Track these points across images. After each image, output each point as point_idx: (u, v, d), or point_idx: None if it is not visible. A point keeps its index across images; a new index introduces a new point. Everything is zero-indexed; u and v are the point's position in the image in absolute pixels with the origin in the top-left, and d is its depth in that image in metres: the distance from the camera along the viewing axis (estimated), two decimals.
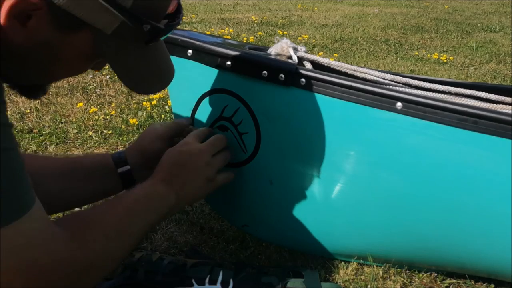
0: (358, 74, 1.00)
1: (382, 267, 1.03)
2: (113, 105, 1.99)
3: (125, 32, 0.62)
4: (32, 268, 0.60)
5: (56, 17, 0.57)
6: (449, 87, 1.00)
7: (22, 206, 0.58)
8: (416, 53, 3.24)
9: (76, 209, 1.02)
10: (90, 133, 1.70)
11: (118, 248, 0.73)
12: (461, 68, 2.90)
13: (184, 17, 4.29)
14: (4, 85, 0.62)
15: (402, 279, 1.01)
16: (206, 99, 1.01)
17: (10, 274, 0.58)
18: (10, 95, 2.01)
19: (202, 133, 0.94)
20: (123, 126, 1.76)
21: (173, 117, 1.09)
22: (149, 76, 0.71)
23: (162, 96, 2.06)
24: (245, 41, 3.35)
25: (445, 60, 3.04)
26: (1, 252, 0.56)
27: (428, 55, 3.18)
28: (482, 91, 1.00)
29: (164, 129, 0.98)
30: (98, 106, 1.97)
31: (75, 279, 0.65)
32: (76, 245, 0.65)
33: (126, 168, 0.93)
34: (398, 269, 1.02)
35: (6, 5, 0.54)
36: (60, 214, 1.16)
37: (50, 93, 2.10)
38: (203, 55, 0.97)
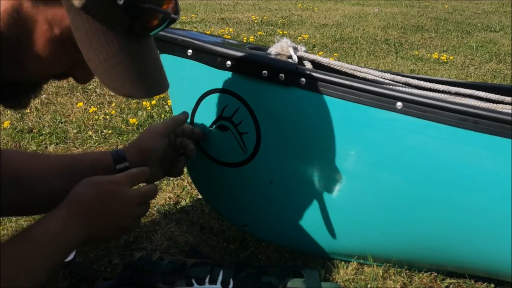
0: (358, 74, 1.00)
1: (382, 267, 1.03)
2: (113, 104, 1.99)
3: (97, 9, 0.56)
4: None
5: None
6: (449, 86, 1.00)
7: None
8: (416, 52, 3.24)
9: None
10: (90, 132, 1.70)
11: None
12: (461, 67, 2.90)
13: (184, 17, 4.28)
14: None
15: (402, 278, 1.01)
16: (206, 99, 1.01)
17: None
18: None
19: (140, 177, 0.85)
20: (123, 126, 1.76)
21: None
22: (128, 76, 0.62)
23: (162, 96, 2.06)
24: (245, 41, 3.34)
25: (445, 60, 3.04)
26: None
27: (428, 54, 3.18)
28: (482, 90, 1.00)
29: (162, 126, 0.96)
30: (98, 106, 1.97)
31: None
32: None
33: (125, 165, 0.92)
34: (398, 269, 1.02)
35: None
36: None
37: (50, 92, 2.10)
38: (203, 55, 0.97)
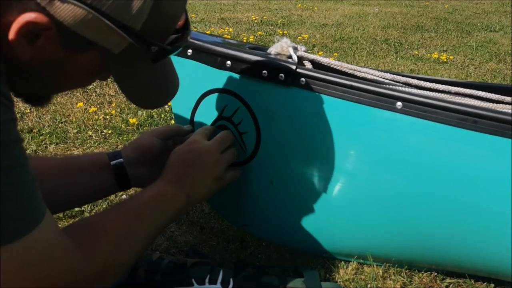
0: (358, 74, 1.00)
1: (382, 267, 1.03)
2: (113, 104, 1.99)
3: (132, 52, 0.62)
4: (43, 280, 0.60)
5: (64, 37, 0.58)
6: (449, 86, 1.00)
7: (33, 220, 0.58)
8: (416, 52, 3.24)
9: (86, 213, 1.01)
10: (90, 132, 1.70)
11: (127, 255, 0.73)
12: (461, 67, 2.90)
13: None
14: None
15: (402, 278, 1.01)
16: (206, 99, 1.01)
17: (21, 286, 0.58)
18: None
19: (209, 131, 0.94)
20: (123, 126, 1.76)
21: (173, 117, 1.09)
22: (154, 92, 0.71)
23: None
24: (245, 41, 3.34)
25: (445, 60, 3.04)
26: (13, 265, 0.57)
27: (428, 54, 3.18)
28: (482, 90, 1.00)
29: (163, 129, 0.99)
30: (98, 106, 1.97)
31: None
32: (85, 255, 0.66)
33: (119, 161, 0.92)
34: (398, 269, 1.02)
35: (16, 24, 0.55)
36: (61, 215, 1.16)
37: None
38: (203, 55, 0.97)
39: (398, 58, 3.08)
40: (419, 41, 3.67)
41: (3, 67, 0.58)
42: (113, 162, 0.92)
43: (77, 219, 1.16)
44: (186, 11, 0.70)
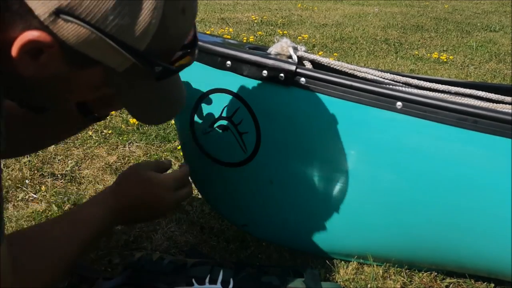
0: (358, 74, 1.00)
1: (382, 267, 1.03)
2: None
3: (136, 70, 0.61)
4: None
5: (68, 55, 0.58)
6: (449, 86, 1.00)
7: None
8: (416, 52, 3.24)
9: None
10: (90, 132, 1.70)
11: (58, 275, 0.74)
12: (461, 67, 2.90)
13: None
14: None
15: (402, 278, 1.01)
16: (206, 99, 1.01)
17: None
18: None
19: (185, 178, 0.94)
20: (123, 126, 1.76)
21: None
22: (158, 109, 0.71)
23: None
24: (245, 41, 3.34)
25: (445, 60, 3.04)
26: None
27: (428, 54, 3.18)
28: (482, 90, 1.00)
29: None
30: None
31: None
32: (21, 278, 0.66)
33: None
34: (398, 269, 1.02)
35: (19, 41, 0.55)
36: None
37: None
38: (203, 55, 0.97)
39: (398, 58, 3.08)
40: (419, 41, 3.67)
41: (4, 80, 0.58)
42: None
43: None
44: (195, 26, 0.69)
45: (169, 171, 0.97)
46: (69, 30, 0.55)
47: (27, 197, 1.28)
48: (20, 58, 0.56)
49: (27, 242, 0.71)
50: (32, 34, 0.54)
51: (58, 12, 0.53)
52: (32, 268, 0.69)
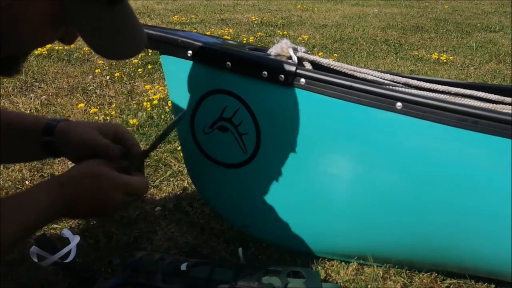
0: (358, 75, 1.00)
1: (383, 267, 1.03)
2: (113, 105, 1.99)
3: None
4: None
5: None
6: (449, 87, 1.00)
7: None
8: (416, 53, 3.24)
9: None
10: None
11: None
12: (461, 68, 2.91)
13: (183, 18, 4.26)
14: None
15: (403, 279, 1.01)
16: (206, 100, 1.01)
17: None
18: (10, 96, 2.02)
19: (132, 189, 0.85)
20: None
21: (173, 118, 1.09)
22: (118, 40, 0.70)
23: (162, 97, 2.07)
24: (245, 42, 3.35)
25: (445, 60, 3.04)
26: None
27: (428, 55, 3.18)
28: (482, 91, 1.00)
29: (106, 126, 0.93)
30: (98, 107, 1.97)
31: None
32: None
33: (51, 139, 0.89)
34: (399, 269, 1.02)
35: None
36: None
37: (50, 93, 2.10)
38: (203, 56, 0.97)
39: (398, 59, 3.08)
40: (419, 41, 3.67)
41: None
42: (44, 139, 0.89)
43: None
44: None
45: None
46: None
47: None
48: None
49: None
50: None
51: None
52: None
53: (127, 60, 2.52)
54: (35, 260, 0.92)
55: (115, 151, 0.89)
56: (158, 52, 1.02)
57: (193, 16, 4.50)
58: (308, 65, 1.01)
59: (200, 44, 0.97)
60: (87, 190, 0.81)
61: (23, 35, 0.66)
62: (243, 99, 0.97)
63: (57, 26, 0.67)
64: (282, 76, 0.91)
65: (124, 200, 0.83)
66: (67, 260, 0.95)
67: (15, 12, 0.62)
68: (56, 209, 0.79)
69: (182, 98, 1.04)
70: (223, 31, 3.73)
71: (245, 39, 3.48)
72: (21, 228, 0.75)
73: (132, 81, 2.31)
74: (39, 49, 2.64)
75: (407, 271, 1.03)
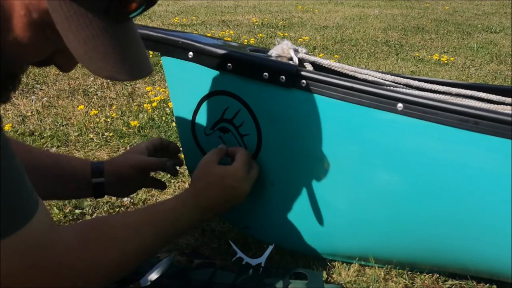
0: (359, 76, 1.00)
1: (384, 268, 1.03)
2: (114, 107, 1.99)
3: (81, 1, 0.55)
4: (32, 271, 0.61)
5: None
6: (450, 88, 1.00)
7: (25, 214, 0.59)
8: (417, 54, 3.24)
9: (87, 216, 1.03)
10: (91, 135, 1.70)
11: (130, 261, 0.75)
12: (461, 69, 2.90)
13: (184, 19, 4.28)
14: None
15: (404, 280, 1.01)
16: (207, 101, 1.01)
17: (10, 277, 0.59)
18: (12, 97, 2.02)
19: (247, 164, 0.94)
20: (124, 129, 1.76)
21: (174, 119, 1.09)
22: (112, 58, 0.61)
23: (163, 98, 2.07)
24: (245, 43, 3.35)
25: (446, 61, 3.04)
26: (5, 257, 0.57)
27: (429, 56, 3.18)
28: (483, 92, 1.00)
29: (146, 144, 1.04)
30: (99, 109, 1.97)
31: (73, 285, 0.67)
32: (83, 254, 0.67)
33: (100, 180, 0.97)
34: (400, 270, 1.02)
35: None
36: (61, 217, 1.16)
37: (51, 95, 2.10)
38: (204, 57, 0.97)
39: (399, 60, 3.08)
40: (420, 42, 3.67)
41: None
42: (94, 181, 0.97)
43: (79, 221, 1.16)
44: None
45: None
46: None
47: None
48: None
49: (103, 224, 0.74)
50: None
51: None
52: (103, 253, 0.70)
53: None
54: None
55: (167, 164, 1.02)
56: (159, 54, 1.02)
57: (194, 17, 4.51)
58: (309, 66, 1.01)
59: (201, 45, 0.97)
60: (218, 196, 0.89)
61: (9, 46, 0.59)
62: (244, 101, 0.97)
63: (44, 36, 0.60)
64: (283, 77, 0.91)
65: (249, 180, 0.93)
66: None
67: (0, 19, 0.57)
68: (191, 216, 0.86)
69: (183, 100, 1.04)
70: (224, 32, 3.74)
71: (246, 40, 3.48)
72: (155, 235, 0.79)
73: (133, 83, 2.32)
74: None
75: (409, 272, 1.02)
